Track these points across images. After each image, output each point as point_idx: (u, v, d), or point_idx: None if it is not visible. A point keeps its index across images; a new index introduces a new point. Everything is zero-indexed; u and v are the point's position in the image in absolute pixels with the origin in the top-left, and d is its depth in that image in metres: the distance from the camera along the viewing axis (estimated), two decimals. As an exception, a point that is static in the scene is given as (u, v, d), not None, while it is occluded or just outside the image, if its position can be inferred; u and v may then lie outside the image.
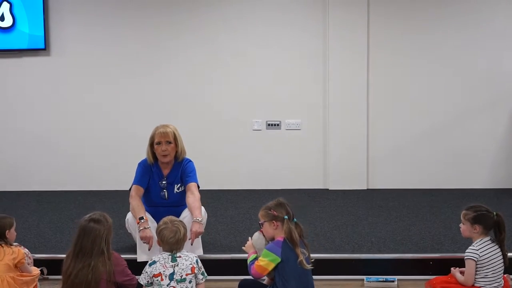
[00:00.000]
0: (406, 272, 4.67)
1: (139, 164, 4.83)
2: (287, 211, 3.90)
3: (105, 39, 7.25)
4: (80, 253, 3.75)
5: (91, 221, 3.80)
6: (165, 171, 4.81)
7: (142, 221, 4.49)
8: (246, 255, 4.51)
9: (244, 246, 4.12)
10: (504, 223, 4.08)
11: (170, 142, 4.71)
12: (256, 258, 3.93)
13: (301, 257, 3.78)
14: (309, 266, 3.83)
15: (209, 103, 7.27)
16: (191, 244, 4.36)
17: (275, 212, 3.88)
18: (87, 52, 7.26)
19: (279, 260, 3.78)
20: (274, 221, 3.89)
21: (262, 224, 3.97)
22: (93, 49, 7.26)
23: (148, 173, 4.77)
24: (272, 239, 3.93)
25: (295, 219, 3.91)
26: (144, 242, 4.46)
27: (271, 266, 3.80)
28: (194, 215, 4.51)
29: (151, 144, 4.75)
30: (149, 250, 4.45)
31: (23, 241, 4.98)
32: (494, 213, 4.09)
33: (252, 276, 3.91)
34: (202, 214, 4.64)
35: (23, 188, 7.34)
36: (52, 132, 7.36)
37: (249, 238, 4.14)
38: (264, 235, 4.04)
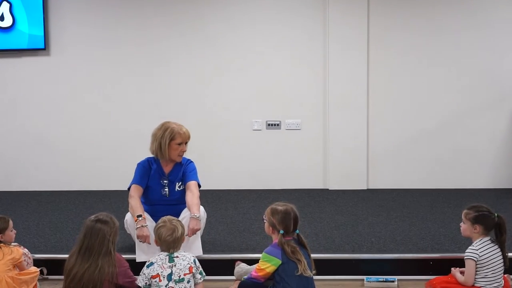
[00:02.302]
0: (406, 272, 4.66)
1: (138, 164, 4.83)
2: (286, 225, 3.85)
3: (105, 39, 7.25)
4: (86, 252, 3.74)
5: (97, 221, 3.79)
6: (167, 169, 4.82)
7: (140, 219, 4.49)
8: (246, 255, 4.53)
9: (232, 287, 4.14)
10: (505, 225, 4.08)
11: (187, 143, 4.80)
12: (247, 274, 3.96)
13: (301, 267, 3.75)
14: (310, 273, 3.80)
15: (209, 103, 7.26)
16: (189, 237, 4.34)
17: (274, 221, 3.87)
18: (87, 52, 7.26)
19: (280, 262, 3.77)
20: (271, 227, 3.89)
21: (264, 221, 3.97)
22: (93, 49, 7.26)
23: (147, 173, 4.78)
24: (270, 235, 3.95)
25: (297, 231, 3.90)
26: (140, 241, 4.46)
27: (273, 270, 3.79)
28: (191, 211, 4.52)
29: (169, 142, 4.75)
30: (147, 244, 4.45)
31: (23, 241, 4.98)
32: (496, 214, 4.09)
33: (255, 279, 3.88)
34: (201, 213, 4.65)
35: (23, 188, 7.34)
36: (52, 132, 7.36)
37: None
38: (240, 264, 4.27)
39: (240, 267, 4.33)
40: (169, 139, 4.75)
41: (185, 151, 4.80)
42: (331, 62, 7.06)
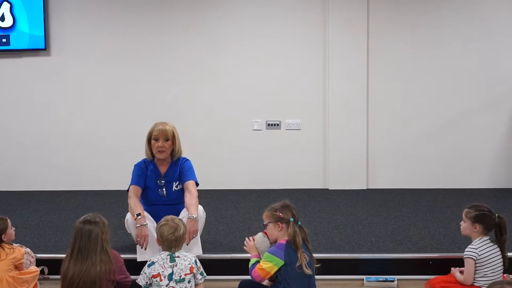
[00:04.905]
0: (406, 272, 4.67)
1: (135, 165, 4.84)
2: (293, 213, 3.85)
3: (105, 39, 7.25)
4: (79, 254, 3.75)
5: (86, 222, 3.80)
6: (162, 169, 4.82)
7: (139, 217, 4.49)
8: (246, 255, 4.51)
9: (245, 246, 4.06)
10: (505, 225, 4.09)
11: (167, 140, 4.74)
12: (258, 261, 3.88)
13: (302, 262, 3.74)
14: (309, 271, 3.78)
15: (209, 103, 7.27)
16: (187, 244, 4.35)
17: (281, 214, 3.83)
18: (87, 52, 7.27)
19: (282, 263, 3.75)
20: (279, 223, 3.84)
21: (266, 225, 3.92)
22: (93, 49, 7.26)
23: (144, 173, 4.79)
24: (275, 241, 3.90)
25: (299, 222, 3.88)
26: (137, 240, 4.46)
27: (274, 270, 3.76)
28: (189, 212, 4.53)
29: (149, 140, 4.78)
30: (145, 249, 4.45)
31: (23, 241, 4.99)
32: (496, 214, 4.09)
33: (253, 279, 3.88)
34: (200, 213, 4.66)
35: (23, 188, 7.34)
36: (52, 132, 7.36)
37: (247, 238, 4.07)
38: (268, 237, 4.00)
39: (265, 241, 4.01)
40: (148, 136, 4.79)
41: (162, 146, 4.70)
42: (331, 62, 7.07)
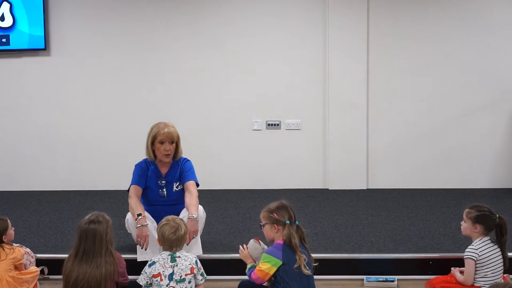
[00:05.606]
0: (406, 272, 4.68)
1: (136, 165, 4.85)
2: (289, 215, 3.84)
3: (105, 39, 7.25)
4: (84, 256, 3.74)
5: (91, 222, 3.80)
6: (164, 170, 4.82)
7: (140, 217, 4.50)
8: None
9: (240, 256, 4.06)
10: (506, 226, 4.09)
11: (173, 143, 4.74)
12: (254, 266, 3.89)
13: (301, 262, 3.73)
14: (308, 271, 3.77)
15: (209, 103, 7.27)
16: (187, 244, 4.35)
17: (276, 216, 3.83)
18: (87, 52, 7.26)
19: (280, 263, 3.74)
20: (275, 225, 3.84)
21: (263, 225, 3.93)
22: (93, 49, 7.26)
23: (145, 173, 4.79)
24: (272, 240, 3.90)
25: (297, 222, 3.88)
26: (138, 241, 4.46)
27: (273, 270, 3.75)
28: (189, 212, 4.53)
29: (152, 142, 4.76)
30: (145, 249, 4.45)
31: (23, 241, 4.99)
32: (497, 215, 4.09)
33: (254, 282, 3.87)
34: (200, 213, 4.66)
35: (23, 188, 7.34)
36: (52, 132, 7.36)
37: (240, 246, 4.08)
38: (259, 243, 4.03)
39: (258, 248, 4.02)
40: (152, 138, 4.76)
41: (168, 150, 4.72)
42: (331, 62, 7.07)
